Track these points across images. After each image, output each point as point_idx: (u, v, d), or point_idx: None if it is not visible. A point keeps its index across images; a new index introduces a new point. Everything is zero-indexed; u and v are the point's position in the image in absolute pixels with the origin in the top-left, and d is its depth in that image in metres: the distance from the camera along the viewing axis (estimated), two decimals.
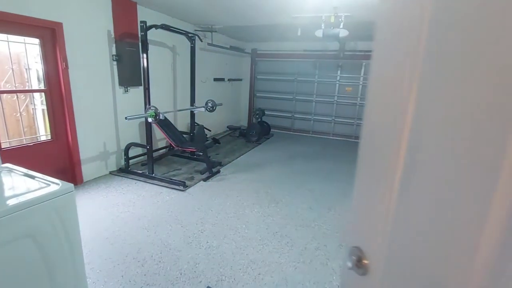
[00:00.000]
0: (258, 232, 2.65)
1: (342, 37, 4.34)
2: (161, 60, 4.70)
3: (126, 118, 3.01)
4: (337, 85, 6.90)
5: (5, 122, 2.83)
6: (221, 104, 5.14)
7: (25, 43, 2.90)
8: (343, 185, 3.96)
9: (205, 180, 3.86)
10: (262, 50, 7.47)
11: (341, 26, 3.89)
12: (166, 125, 4.15)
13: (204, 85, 6.07)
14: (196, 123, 5.29)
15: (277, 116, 7.71)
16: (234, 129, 6.73)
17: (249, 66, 7.72)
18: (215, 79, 6.50)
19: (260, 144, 6.17)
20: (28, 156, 3.03)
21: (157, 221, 2.77)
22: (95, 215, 2.84)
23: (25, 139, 3.03)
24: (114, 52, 3.76)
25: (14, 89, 2.86)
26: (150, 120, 3.37)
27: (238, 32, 5.95)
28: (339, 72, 6.82)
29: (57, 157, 3.35)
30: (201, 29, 5.47)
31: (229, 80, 7.15)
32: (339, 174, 4.43)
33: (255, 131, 6.16)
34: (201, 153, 4.08)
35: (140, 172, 3.86)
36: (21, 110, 2.97)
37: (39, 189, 1.40)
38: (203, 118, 5.83)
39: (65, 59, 3.15)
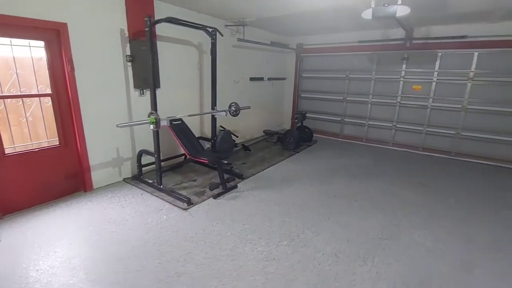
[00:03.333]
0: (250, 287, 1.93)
1: (402, 18, 3.20)
2: (185, 59, 4.34)
3: (117, 125, 2.65)
4: (401, 82, 5.51)
5: (9, 127, 2.78)
6: (248, 107, 4.52)
7: (30, 46, 2.81)
8: (397, 220, 2.87)
9: (215, 197, 3.30)
10: (309, 44, 6.55)
11: (399, 2, 2.81)
12: (181, 131, 3.74)
13: (237, 86, 5.54)
14: (223, 128, 4.80)
15: (324, 119, 6.68)
16: (271, 134, 6.03)
17: (293, 63, 6.89)
18: (252, 79, 5.91)
19: (298, 152, 5.32)
20: (34, 162, 2.97)
21: (137, 250, 2.32)
22: (80, 232, 2.56)
23: (32, 144, 2.97)
24: (128, 52, 3.51)
25: (19, 94, 2.79)
26: (151, 127, 2.97)
27: (277, 24, 5.21)
28: (404, 66, 5.43)
29: (66, 163, 3.24)
30: (234, 24, 4.94)
31: (269, 79, 6.48)
32: (394, 202, 3.30)
33: (293, 137, 5.34)
34: (215, 165, 3.55)
35: (150, 181, 3.54)
36: (27, 115, 2.90)
37: None
38: (237, 121, 5.32)
39: (70, 61, 2.99)
